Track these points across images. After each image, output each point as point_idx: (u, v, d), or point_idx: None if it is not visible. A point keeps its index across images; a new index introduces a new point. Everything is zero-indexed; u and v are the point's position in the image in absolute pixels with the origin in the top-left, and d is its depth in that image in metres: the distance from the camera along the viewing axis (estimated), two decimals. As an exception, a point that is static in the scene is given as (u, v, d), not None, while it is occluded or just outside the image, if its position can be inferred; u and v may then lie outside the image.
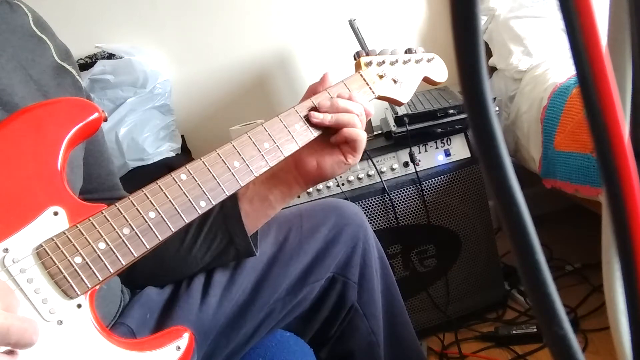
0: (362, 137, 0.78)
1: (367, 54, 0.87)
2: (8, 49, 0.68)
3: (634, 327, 0.29)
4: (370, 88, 0.85)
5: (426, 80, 0.93)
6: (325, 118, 0.76)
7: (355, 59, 0.87)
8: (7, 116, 0.60)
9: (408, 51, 0.91)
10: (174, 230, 0.62)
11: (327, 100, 0.78)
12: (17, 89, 0.66)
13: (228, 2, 1.75)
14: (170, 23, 1.74)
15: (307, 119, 0.77)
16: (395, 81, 0.88)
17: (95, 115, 0.61)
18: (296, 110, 0.77)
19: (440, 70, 0.94)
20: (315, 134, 0.77)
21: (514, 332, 1.41)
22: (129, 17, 1.71)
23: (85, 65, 1.54)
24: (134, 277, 0.80)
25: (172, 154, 1.58)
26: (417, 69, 0.91)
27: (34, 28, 0.74)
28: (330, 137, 0.79)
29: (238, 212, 0.78)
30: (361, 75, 0.85)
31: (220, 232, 0.79)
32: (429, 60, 0.93)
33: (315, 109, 0.78)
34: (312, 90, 0.81)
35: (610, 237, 0.47)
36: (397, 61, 0.89)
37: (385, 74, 0.87)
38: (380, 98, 0.87)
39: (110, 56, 1.57)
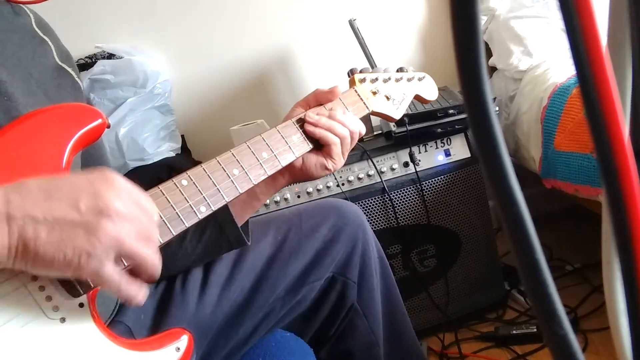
0: (335, 142, 0.80)
1: (361, 71, 0.90)
2: (9, 47, 0.68)
3: (634, 327, 0.29)
4: (364, 104, 0.87)
5: (417, 98, 0.96)
6: (310, 130, 0.79)
7: (349, 76, 0.90)
8: (8, 106, 0.61)
9: (400, 70, 0.94)
10: (174, 233, 0.63)
11: (315, 115, 0.80)
12: (18, 84, 0.66)
13: (228, 2, 1.75)
14: (170, 23, 1.74)
15: (304, 130, 0.79)
16: (388, 98, 0.90)
17: (99, 121, 0.62)
18: (293, 122, 0.79)
19: (431, 89, 0.97)
20: (311, 145, 0.80)
21: (514, 332, 1.41)
22: (129, 17, 1.71)
23: (85, 65, 1.54)
24: None
25: (172, 154, 1.58)
26: (408, 87, 0.94)
27: (36, 29, 0.74)
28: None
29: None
30: (355, 91, 0.87)
31: (209, 223, 0.79)
32: (420, 79, 0.95)
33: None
34: (317, 95, 0.83)
35: (610, 237, 0.47)
36: (389, 79, 0.91)
37: (379, 90, 0.89)
38: (373, 114, 0.90)
39: (110, 56, 1.57)
